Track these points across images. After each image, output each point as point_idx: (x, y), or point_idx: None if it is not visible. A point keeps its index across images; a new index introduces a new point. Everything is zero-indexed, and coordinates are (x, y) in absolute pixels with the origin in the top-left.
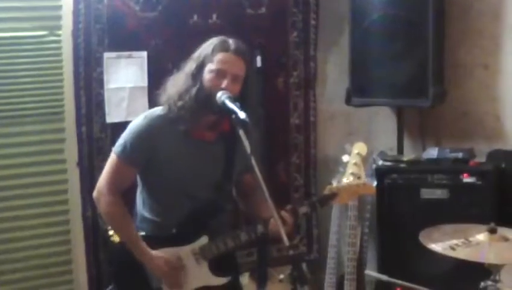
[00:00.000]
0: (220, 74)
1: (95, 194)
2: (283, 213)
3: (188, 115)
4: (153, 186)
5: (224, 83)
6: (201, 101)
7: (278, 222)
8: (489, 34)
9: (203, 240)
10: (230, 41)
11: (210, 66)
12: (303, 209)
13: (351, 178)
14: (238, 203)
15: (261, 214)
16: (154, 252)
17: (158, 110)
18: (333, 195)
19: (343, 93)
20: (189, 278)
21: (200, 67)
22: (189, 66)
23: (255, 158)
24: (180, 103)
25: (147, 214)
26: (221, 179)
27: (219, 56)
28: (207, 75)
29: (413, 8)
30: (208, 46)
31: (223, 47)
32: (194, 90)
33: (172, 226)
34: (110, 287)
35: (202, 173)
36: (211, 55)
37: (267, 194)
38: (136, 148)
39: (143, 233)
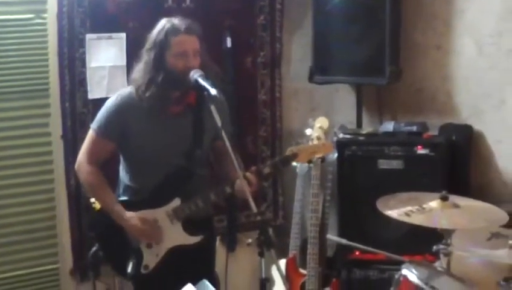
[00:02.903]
0: (182, 55)
1: (76, 165)
2: (248, 174)
3: (158, 101)
4: (130, 157)
5: (189, 62)
6: (172, 82)
7: (242, 183)
8: (442, 17)
9: (176, 202)
10: (178, 22)
11: (170, 51)
12: (266, 170)
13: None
14: (212, 166)
15: (230, 176)
16: (128, 214)
17: (129, 88)
18: (294, 155)
19: (307, 72)
20: (165, 238)
21: (160, 54)
22: (148, 55)
23: (224, 129)
24: (148, 94)
25: (127, 182)
26: (190, 148)
27: (175, 40)
28: (171, 59)
29: None
30: (159, 33)
31: (175, 31)
32: (160, 77)
33: (148, 191)
34: (94, 248)
35: (172, 143)
36: (166, 41)
37: (235, 161)
38: (110, 124)
39: (125, 198)
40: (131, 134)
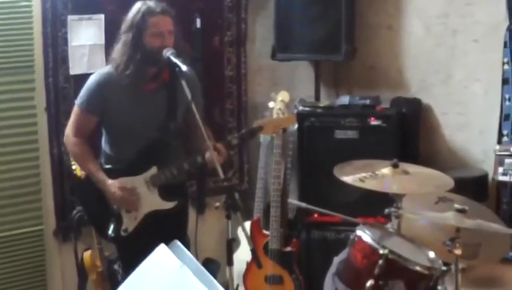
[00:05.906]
0: (157, 35)
1: (64, 138)
2: (218, 145)
3: (136, 78)
4: (110, 129)
5: (164, 40)
6: (149, 61)
7: (212, 154)
8: (392, 0)
9: (153, 170)
10: (153, 4)
11: (147, 31)
12: (234, 141)
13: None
14: (185, 137)
15: (201, 147)
16: (110, 181)
17: (108, 67)
18: (259, 128)
19: (269, 50)
20: (142, 203)
21: (137, 35)
22: (126, 36)
23: (194, 102)
24: (127, 72)
25: (108, 152)
26: (165, 121)
27: (151, 21)
28: (147, 39)
29: None
30: (135, 15)
31: (151, 12)
32: (138, 56)
33: (127, 160)
34: (74, 212)
35: (148, 117)
36: (144, 22)
37: (204, 132)
38: (92, 100)
39: (107, 167)
40: (111, 109)
